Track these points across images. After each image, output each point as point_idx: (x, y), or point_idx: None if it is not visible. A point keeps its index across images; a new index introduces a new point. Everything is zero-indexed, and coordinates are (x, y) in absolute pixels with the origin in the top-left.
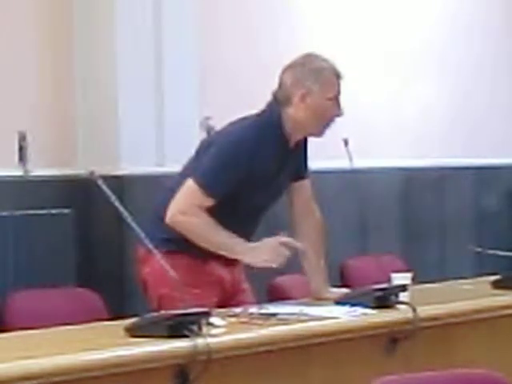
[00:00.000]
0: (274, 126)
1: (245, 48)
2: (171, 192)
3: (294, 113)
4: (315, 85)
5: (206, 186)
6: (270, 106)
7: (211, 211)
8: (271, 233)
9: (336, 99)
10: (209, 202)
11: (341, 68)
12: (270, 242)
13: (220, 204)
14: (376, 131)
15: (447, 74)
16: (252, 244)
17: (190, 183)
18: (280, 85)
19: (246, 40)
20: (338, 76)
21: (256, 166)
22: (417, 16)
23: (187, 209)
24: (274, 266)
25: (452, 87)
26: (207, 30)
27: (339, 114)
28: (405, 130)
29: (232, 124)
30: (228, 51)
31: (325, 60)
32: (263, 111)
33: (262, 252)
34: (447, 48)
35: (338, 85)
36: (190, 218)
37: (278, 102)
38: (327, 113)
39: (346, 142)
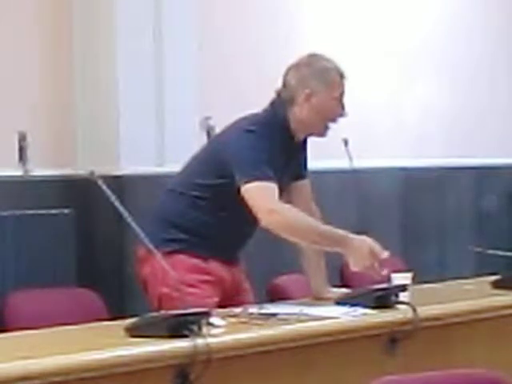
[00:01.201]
0: (280, 124)
1: (245, 48)
2: (172, 192)
3: (299, 112)
4: (320, 85)
5: (259, 176)
6: (273, 104)
7: (214, 211)
8: (270, 234)
9: (340, 99)
10: (274, 186)
11: (343, 69)
12: (366, 246)
13: (223, 204)
14: (376, 131)
15: (447, 73)
16: (352, 240)
17: (247, 188)
18: (284, 84)
19: (245, 40)
20: (342, 76)
21: (269, 160)
22: (416, 16)
23: (268, 206)
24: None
25: (452, 87)
26: (207, 31)
27: (343, 114)
28: (405, 129)
29: (236, 123)
30: (228, 51)
31: (329, 60)
32: (266, 110)
33: (361, 256)
34: (447, 48)
35: (342, 85)
36: (279, 213)
37: (283, 101)
38: (331, 113)
39: (345, 142)
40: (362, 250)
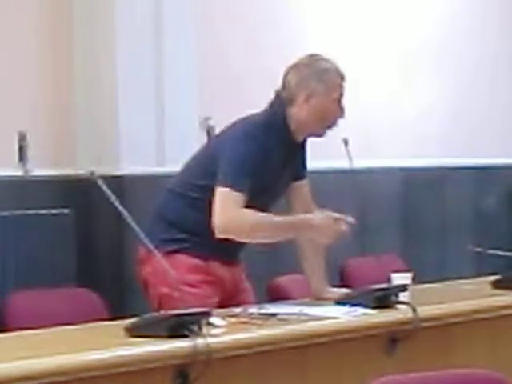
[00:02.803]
0: (280, 124)
1: (245, 48)
2: (171, 192)
3: (297, 113)
4: (320, 86)
5: (233, 185)
6: (272, 105)
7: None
8: None
9: (339, 101)
10: (242, 197)
11: (341, 68)
12: (326, 220)
13: None
14: (376, 131)
15: (447, 73)
16: (312, 220)
17: (218, 191)
18: (284, 84)
19: (246, 40)
20: (342, 78)
21: (266, 163)
22: (417, 16)
23: (228, 214)
24: (328, 242)
25: (452, 87)
26: (207, 30)
27: (341, 116)
28: (405, 129)
29: (236, 123)
30: (228, 51)
31: (329, 61)
32: (266, 110)
33: (328, 229)
34: (447, 48)
35: (342, 87)
36: (232, 222)
37: (282, 101)
38: (330, 114)
39: (345, 142)
40: (326, 223)
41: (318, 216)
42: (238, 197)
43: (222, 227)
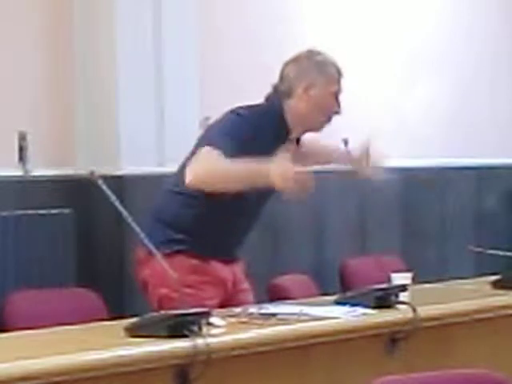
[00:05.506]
0: (275, 117)
1: (245, 48)
2: (168, 193)
3: (296, 104)
4: (319, 77)
5: (213, 143)
6: (269, 98)
7: (209, 208)
8: (270, 235)
9: (336, 95)
10: (222, 155)
11: (341, 67)
12: (282, 168)
13: (218, 201)
14: (376, 131)
15: (447, 73)
16: (268, 171)
17: (199, 152)
18: (282, 77)
19: (246, 40)
20: (339, 73)
21: (257, 152)
22: (417, 16)
23: (203, 164)
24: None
25: (452, 87)
26: (207, 30)
27: (338, 112)
28: (405, 129)
29: (229, 111)
30: (228, 51)
31: (328, 56)
32: (263, 104)
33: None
34: (447, 48)
35: (340, 82)
36: (207, 171)
37: (280, 94)
38: (328, 107)
39: (345, 142)
40: (282, 171)
41: (273, 167)
42: (218, 154)
43: (193, 183)
